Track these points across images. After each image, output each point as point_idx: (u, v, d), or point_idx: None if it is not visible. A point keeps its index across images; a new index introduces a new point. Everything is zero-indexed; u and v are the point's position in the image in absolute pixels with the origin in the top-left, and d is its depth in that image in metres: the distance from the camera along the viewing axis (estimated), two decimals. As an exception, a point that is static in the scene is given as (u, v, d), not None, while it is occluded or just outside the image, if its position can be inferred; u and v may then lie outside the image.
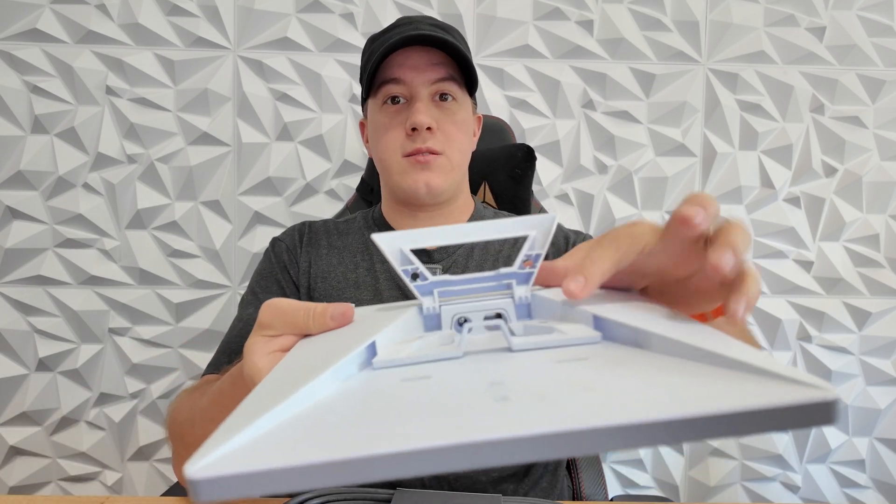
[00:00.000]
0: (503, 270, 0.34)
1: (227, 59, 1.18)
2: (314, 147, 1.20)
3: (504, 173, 0.90)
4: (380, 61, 0.70)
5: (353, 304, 0.35)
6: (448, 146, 0.71)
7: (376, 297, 0.70)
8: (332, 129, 1.20)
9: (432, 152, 0.70)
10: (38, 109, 1.17)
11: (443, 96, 0.72)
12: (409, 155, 0.70)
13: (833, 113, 1.23)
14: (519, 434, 0.17)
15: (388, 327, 0.31)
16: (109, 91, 1.17)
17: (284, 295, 0.74)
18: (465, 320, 0.33)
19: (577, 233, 0.78)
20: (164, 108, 1.18)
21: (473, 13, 1.20)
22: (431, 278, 0.34)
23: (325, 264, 0.75)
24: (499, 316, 0.33)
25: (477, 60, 1.20)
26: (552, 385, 0.21)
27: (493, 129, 1.01)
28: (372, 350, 0.29)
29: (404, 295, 0.70)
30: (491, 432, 0.17)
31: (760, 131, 1.23)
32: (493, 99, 1.21)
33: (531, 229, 0.34)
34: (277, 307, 0.35)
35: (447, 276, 0.34)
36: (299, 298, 0.73)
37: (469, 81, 0.74)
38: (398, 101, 0.72)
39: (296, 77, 1.19)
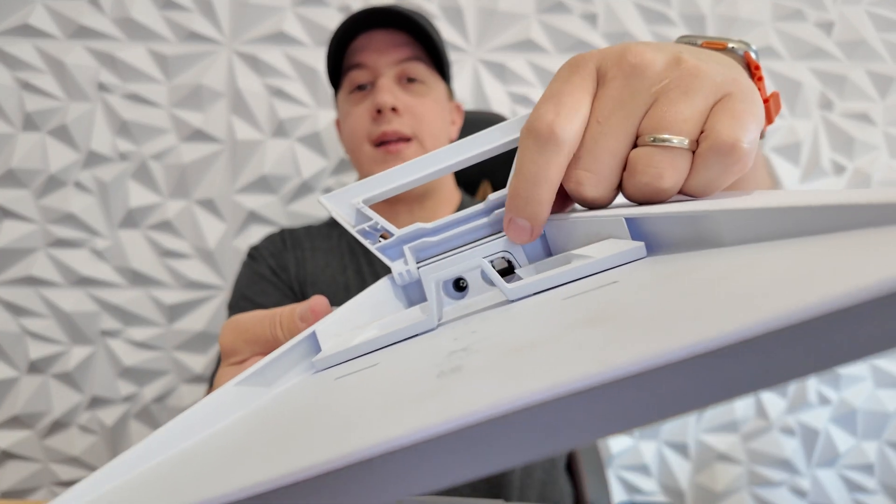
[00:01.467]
0: (494, 196, 0.25)
1: (220, 53, 1.16)
2: (310, 144, 1.18)
3: (506, 171, 0.88)
4: (338, 48, 0.66)
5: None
6: (418, 129, 0.65)
7: None
8: (329, 126, 1.17)
9: (402, 138, 0.64)
10: (29, 106, 1.14)
11: (410, 79, 0.67)
12: (377, 143, 0.65)
13: (842, 110, 1.20)
14: (426, 432, 0.10)
15: (340, 311, 0.24)
16: (102, 87, 1.15)
17: (282, 297, 0.69)
18: (462, 282, 0.25)
19: None
20: (156, 105, 1.15)
21: (474, 7, 1.18)
22: (398, 232, 0.26)
23: (311, 266, 0.70)
24: (509, 264, 0.25)
25: (478, 55, 1.18)
26: (543, 332, 0.14)
27: (494, 126, 0.98)
28: (316, 346, 0.22)
29: None
30: (374, 440, 0.10)
31: (769, 128, 1.20)
32: (494, 95, 1.18)
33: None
34: (237, 325, 0.28)
35: (420, 225, 0.26)
36: (285, 290, 0.68)
37: (441, 66, 0.69)
38: (365, 88, 0.67)
39: (292, 72, 1.16)
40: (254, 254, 0.74)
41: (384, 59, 0.66)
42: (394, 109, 0.64)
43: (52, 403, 1.19)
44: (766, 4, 1.19)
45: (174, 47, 1.15)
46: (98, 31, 1.14)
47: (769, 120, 0.26)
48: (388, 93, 0.64)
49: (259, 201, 1.18)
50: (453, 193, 0.74)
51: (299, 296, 0.70)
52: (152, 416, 1.19)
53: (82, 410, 1.20)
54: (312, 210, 1.18)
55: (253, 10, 1.15)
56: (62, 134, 1.15)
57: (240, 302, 0.70)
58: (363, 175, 0.70)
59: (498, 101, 1.18)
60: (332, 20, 1.16)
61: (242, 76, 1.16)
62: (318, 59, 1.16)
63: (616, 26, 1.18)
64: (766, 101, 0.27)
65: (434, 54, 0.68)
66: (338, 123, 0.76)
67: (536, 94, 1.19)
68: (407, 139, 0.65)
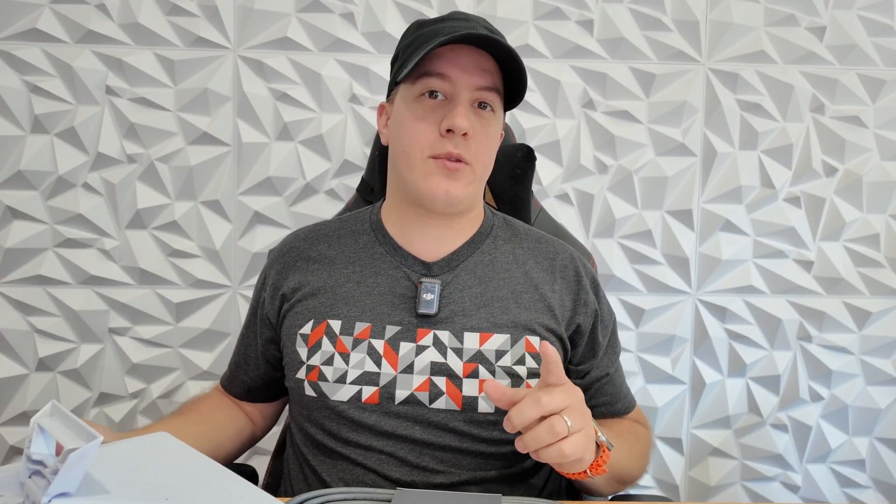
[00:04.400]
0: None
1: (227, 58, 1.18)
2: (314, 147, 1.20)
3: (504, 173, 0.90)
4: (429, 50, 0.65)
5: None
6: (477, 157, 0.68)
7: (366, 314, 0.68)
8: (332, 129, 1.20)
9: (461, 160, 0.66)
10: (38, 109, 1.17)
11: (482, 104, 0.68)
12: (436, 157, 0.66)
13: (833, 113, 1.23)
14: None
15: None
16: (109, 91, 1.17)
17: (259, 325, 0.77)
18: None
19: (584, 264, 0.76)
20: (164, 108, 1.18)
21: (474, 13, 1.20)
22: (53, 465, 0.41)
23: (315, 279, 0.72)
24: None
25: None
26: None
27: (494, 129, 1.01)
28: None
29: (399, 309, 0.68)
30: None
31: (761, 131, 1.23)
32: (493, 99, 1.21)
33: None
34: None
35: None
36: (264, 330, 0.76)
37: (510, 95, 0.71)
38: (436, 97, 0.67)
39: (296, 77, 1.19)
40: (261, 275, 0.79)
41: (468, 79, 0.66)
42: (464, 134, 0.65)
43: (60, 400, 1.21)
44: (759, 9, 1.22)
45: (181, 52, 1.18)
46: (106, 35, 1.17)
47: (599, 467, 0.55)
48: (465, 119, 0.65)
49: (264, 202, 1.21)
50: (480, 211, 0.76)
51: (274, 310, 0.74)
52: (159, 411, 1.22)
53: (90, 407, 1.22)
54: (316, 212, 1.21)
55: (258, 16, 1.17)
56: (70, 136, 1.18)
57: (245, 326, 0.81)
58: (401, 177, 0.70)
59: (497, 104, 1.21)
60: (336, 26, 1.18)
61: (248, 81, 1.18)
62: (321, 65, 1.19)
63: (612, 32, 1.20)
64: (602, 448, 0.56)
65: (508, 86, 0.69)
66: (381, 109, 0.76)
67: (534, 98, 1.21)
68: (466, 162, 0.67)
